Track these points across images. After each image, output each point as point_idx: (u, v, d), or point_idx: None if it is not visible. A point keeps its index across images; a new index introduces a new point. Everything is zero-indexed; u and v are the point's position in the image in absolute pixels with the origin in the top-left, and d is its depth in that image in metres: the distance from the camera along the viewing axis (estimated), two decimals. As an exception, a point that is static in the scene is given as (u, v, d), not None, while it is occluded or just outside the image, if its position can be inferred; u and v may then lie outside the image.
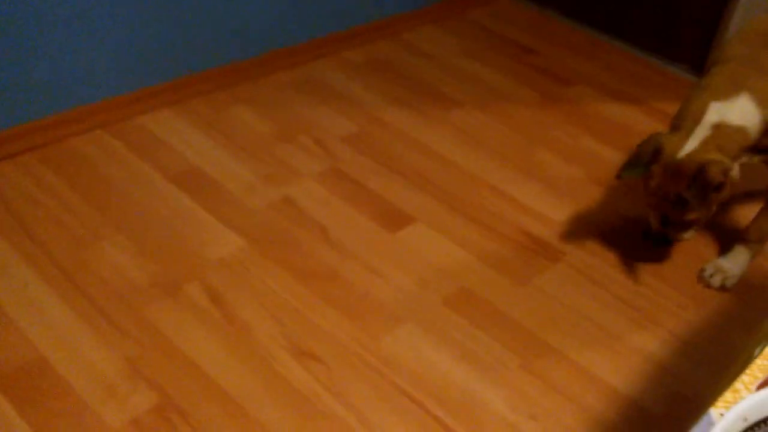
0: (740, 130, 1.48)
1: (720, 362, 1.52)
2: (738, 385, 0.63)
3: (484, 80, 2.38)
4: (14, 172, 1.79)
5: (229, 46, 2.15)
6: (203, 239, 1.67)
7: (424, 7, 2.64)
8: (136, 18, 1.90)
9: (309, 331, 1.48)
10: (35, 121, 1.85)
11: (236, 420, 1.31)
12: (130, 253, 1.61)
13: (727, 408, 0.58)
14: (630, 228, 1.84)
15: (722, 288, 1.69)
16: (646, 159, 1.55)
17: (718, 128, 1.48)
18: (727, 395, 0.61)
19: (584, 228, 1.82)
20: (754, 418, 0.53)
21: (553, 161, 2.05)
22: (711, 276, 1.70)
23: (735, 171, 1.51)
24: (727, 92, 1.49)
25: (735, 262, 1.69)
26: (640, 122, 2.26)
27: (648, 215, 1.77)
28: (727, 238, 1.83)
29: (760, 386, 0.62)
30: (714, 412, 0.60)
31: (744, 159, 1.55)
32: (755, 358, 0.66)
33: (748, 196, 1.98)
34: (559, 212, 1.87)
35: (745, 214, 1.93)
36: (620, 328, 1.57)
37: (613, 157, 2.09)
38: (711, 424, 0.59)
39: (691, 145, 1.49)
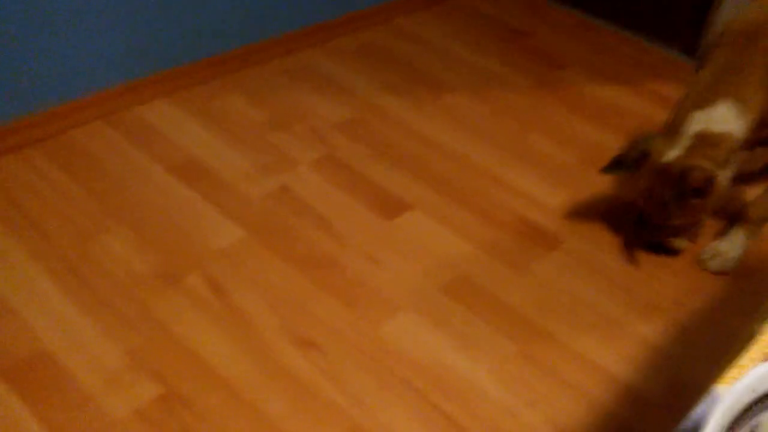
0: (724, 136, 1.50)
1: (719, 347, 1.53)
2: (742, 360, 0.63)
3: (477, 65, 2.38)
4: (16, 165, 1.79)
5: (224, 35, 2.14)
6: (203, 229, 1.67)
7: (416, -8, 2.63)
8: (131, 8, 1.89)
9: (308, 319, 1.49)
10: (35, 114, 1.85)
11: (238, 409, 1.31)
12: (132, 244, 1.61)
13: (732, 384, 0.59)
14: (624, 212, 1.85)
15: (721, 271, 1.69)
16: (632, 160, 1.58)
17: (702, 137, 1.50)
18: (732, 371, 0.62)
19: (581, 213, 1.83)
20: (762, 389, 0.53)
21: (547, 145, 2.05)
22: (709, 259, 1.70)
23: (723, 180, 1.53)
24: (708, 100, 1.51)
25: (733, 245, 1.69)
26: (634, 104, 2.26)
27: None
28: (724, 222, 1.84)
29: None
30: (719, 388, 0.61)
31: (749, 152, 1.58)
32: (759, 334, 0.67)
33: (746, 177, 1.99)
34: (555, 197, 1.87)
35: (739, 196, 1.94)
36: (618, 314, 1.58)
37: (608, 140, 2.10)
38: (716, 400, 0.60)
39: (675, 152, 1.52)
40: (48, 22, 1.75)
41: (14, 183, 1.74)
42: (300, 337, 1.46)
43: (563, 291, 1.62)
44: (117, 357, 1.39)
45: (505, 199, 1.86)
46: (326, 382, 1.38)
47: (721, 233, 1.75)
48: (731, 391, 0.51)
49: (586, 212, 1.84)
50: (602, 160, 2.01)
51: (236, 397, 1.34)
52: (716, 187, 1.51)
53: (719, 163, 1.51)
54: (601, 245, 1.75)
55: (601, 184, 1.93)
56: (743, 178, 1.98)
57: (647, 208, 1.61)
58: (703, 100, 1.52)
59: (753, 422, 0.55)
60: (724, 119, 1.50)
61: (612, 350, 1.50)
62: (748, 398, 0.53)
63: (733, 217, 1.77)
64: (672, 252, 1.72)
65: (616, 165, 1.60)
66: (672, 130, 1.56)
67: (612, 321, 1.56)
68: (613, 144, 2.08)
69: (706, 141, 1.50)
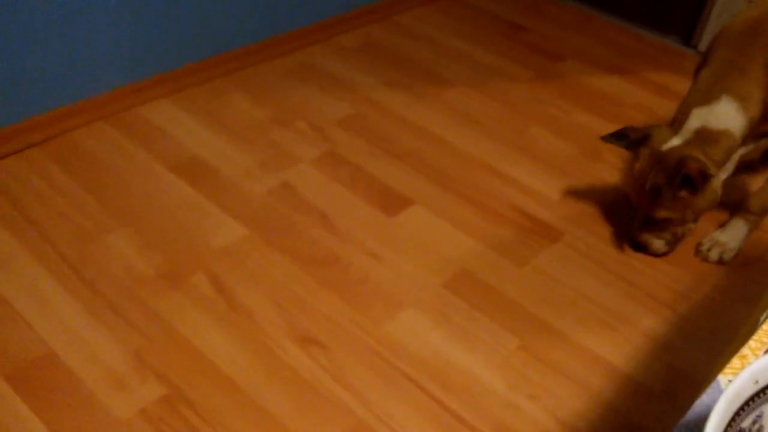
0: (724, 134, 1.52)
1: (720, 337, 1.53)
2: (745, 350, 0.63)
3: (476, 59, 2.37)
4: (19, 168, 1.79)
5: (225, 35, 2.14)
6: (205, 228, 1.67)
7: (414, -13, 2.63)
8: (133, 10, 1.89)
9: (311, 317, 1.49)
10: (37, 116, 1.85)
11: (243, 408, 1.32)
12: (135, 245, 1.62)
13: (735, 375, 0.59)
14: (626, 203, 1.85)
15: (720, 262, 1.69)
16: (634, 137, 1.60)
17: (701, 133, 1.52)
18: (735, 361, 0.62)
19: (581, 205, 1.83)
20: (765, 380, 0.53)
21: (548, 138, 2.05)
22: (709, 250, 1.70)
23: (717, 182, 1.54)
24: (709, 97, 1.53)
25: (733, 235, 1.70)
26: (633, 94, 2.26)
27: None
28: (725, 212, 1.84)
29: (768, 352, 0.63)
30: (722, 379, 0.61)
31: (742, 151, 1.59)
32: (761, 323, 0.67)
33: (747, 168, 1.99)
34: (555, 190, 1.87)
35: (739, 186, 1.93)
36: (619, 306, 1.58)
37: (607, 130, 2.08)
38: (719, 391, 0.60)
39: (675, 143, 1.55)
40: (49, 26, 1.75)
41: (17, 185, 1.75)
42: (303, 335, 1.46)
43: (565, 284, 1.62)
44: (121, 358, 1.39)
45: (507, 192, 1.86)
46: (330, 380, 1.38)
47: (722, 224, 1.75)
48: (733, 383, 0.51)
49: (588, 204, 1.84)
50: (602, 151, 2.01)
51: (241, 396, 1.34)
52: (709, 186, 1.53)
53: (716, 162, 1.52)
54: (602, 237, 1.75)
55: (603, 176, 1.93)
56: (744, 167, 1.98)
57: (637, 194, 1.61)
58: (704, 97, 1.54)
59: (757, 413, 0.55)
60: (724, 116, 1.51)
61: (614, 342, 1.50)
62: (750, 389, 0.52)
63: (734, 207, 1.76)
64: (650, 252, 1.69)
65: (618, 137, 1.62)
66: (677, 125, 1.58)
67: (613, 313, 1.56)
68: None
69: (705, 137, 1.52)
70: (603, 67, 2.39)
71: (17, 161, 1.81)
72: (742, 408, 0.54)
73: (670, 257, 1.70)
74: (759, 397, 0.54)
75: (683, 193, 1.54)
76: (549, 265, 1.66)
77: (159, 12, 1.95)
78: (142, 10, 1.91)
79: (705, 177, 1.49)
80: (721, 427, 0.50)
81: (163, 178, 1.81)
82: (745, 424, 0.54)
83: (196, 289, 1.54)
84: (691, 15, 2.49)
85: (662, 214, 1.58)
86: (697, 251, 1.72)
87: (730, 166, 1.60)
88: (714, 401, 0.58)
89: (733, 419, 0.53)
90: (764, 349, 0.63)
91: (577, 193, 1.87)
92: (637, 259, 1.69)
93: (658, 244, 1.66)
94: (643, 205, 1.61)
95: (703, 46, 2.48)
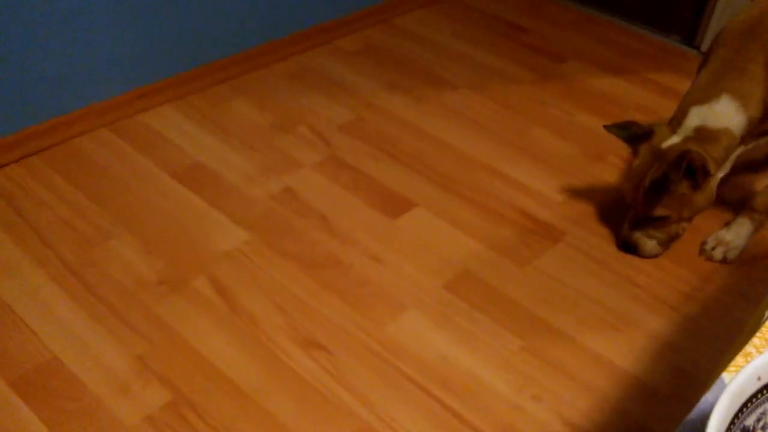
0: (724, 133, 1.52)
1: (724, 337, 1.52)
2: (749, 348, 0.63)
3: (477, 61, 2.37)
4: (22, 175, 1.80)
5: (225, 41, 2.15)
6: (208, 233, 1.67)
7: (415, -10, 2.63)
8: (133, 16, 1.89)
9: (314, 320, 1.49)
10: (40, 124, 1.86)
11: (247, 412, 1.32)
12: (138, 250, 1.62)
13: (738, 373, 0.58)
14: (625, 202, 1.84)
15: (724, 261, 1.69)
16: (637, 130, 1.59)
17: (700, 132, 1.53)
18: (739, 359, 0.62)
19: (583, 206, 1.83)
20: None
21: (549, 139, 2.05)
22: (713, 249, 1.69)
23: (713, 182, 1.55)
24: (709, 96, 1.54)
25: (737, 234, 1.69)
26: (635, 95, 2.26)
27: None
28: (729, 211, 1.83)
29: (772, 349, 0.63)
30: (726, 377, 0.60)
31: (741, 150, 1.60)
32: (765, 321, 0.67)
33: (749, 167, 1.99)
34: (557, 191, 1.87)
35: (744, 185, 1.93)
36: (622, 306, 1.57)
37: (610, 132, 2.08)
38: (723, 389, 0.59)
39: (675, 140, 1.55)
40: (50, 34, 1.76)
41: (19, 192, 1.75)
42: (306, 338, 1.46)
43: (566, 284, 1.62)
44: (125, 363, 1.39)
45: (509, 193, 1.85)
46: (333, 383, 1.38)
47: (727, 223, 1.74)
48: (736, 380, 0.51)
49: (590, 204, 1.83)
50: (606, 152, 2.01)
51: (245, 400, 1.34)
52: (708, 183, 1.53)
53: (716, 161, 1.52)
54: (604, 237, 1.74)
55: (605, 177, 1.93)
56: (747, 166, 1.97)
57: (634, 192, 1.61)
58: (704, 95, 1.54)
59: (761, 410, 0.55)
60: (724, 115, 1.51)
61: (617, 342, 1.50)
62: (753, 387, 0.52)
63: (738, 206, 1.76)
64: (640, 254, 1.67)
65: (621, 127, 1.61)
66: (675, 123, 1.58)
67: (617, 313, 1.56)
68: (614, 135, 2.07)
69: (705, 136, 1.52)
70: (604, 67, 2.38)
71: (20, 169, 1.82)
72: (745, 405, 0.53)
73: (674, 256, 1.70)
74: (762, 394, 0.54)
75: (684, 188, 1.53)
76: (551, 266, 1.66)
77: (159, 19, 1.96)
78: (143, 17, 1.92)
79: (706, 172, 1.49)
80: (724, 425, 0.50)
81: (164, 183, 1.81)
82: (749, 421, 0.54)
83: (199, 293, 1.54)
84: (693, 15, 2.49)
85: (660, 211, 1.58)
86: (702, 250, 1.71)
87: (727, 165, 1.60)
88: (718, 399, 0.58)
89: (736, 416, 0.52)
90: (767, 347, 0.63)
91: (579, 194, 1.87)
92: (639, 259, 1.69)
93: (650, 245, 1.65)
94: (640, 203, 1.60)
95: (705, 46, 2.48)
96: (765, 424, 0.55)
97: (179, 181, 1.82)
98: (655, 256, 1.67)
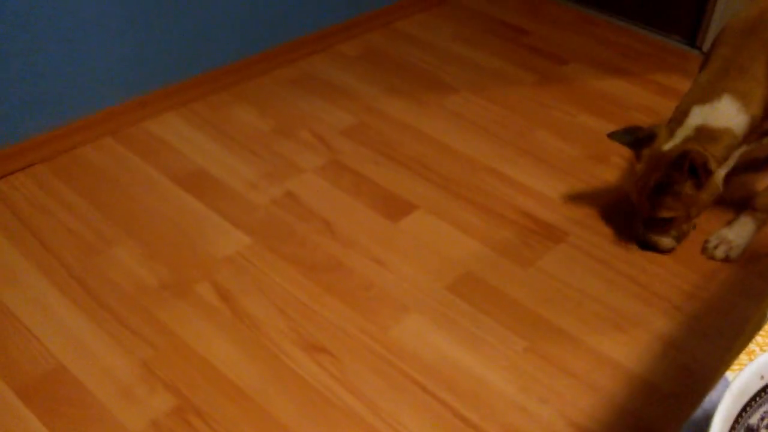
0: (725, 132, 1.52)
1: (728, 335, 1.52)
2: (752, 346, 0.63)
3: (478, 64, 2.37)
4: (26, 184, 1.80)
5: (227, 47, 2.16)
6: (210, 239, 1.68)
7: (415, -5, 2.64)
8: (135, 25, 1.90)
9: (317, 324, 1.49)
10: (44, 134, 1.86)
11: (253, 417, 1.32)
12: (141, 256, 1.62)
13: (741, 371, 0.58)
14: (631, 204, 1.84)
15: (726, 259, 1.68)
16: (639, 135, 1.60)
17: (701, 131, 1.53)
18: (742, 357, 0.62)
19: (586, 206, 1.83)
20: (771, 375, 0.53)
21: (551, 140, 2.05)
22: (715, 247, 1.69)
23: (718, 178, 1.55)
24: (709, 95, 1.54)
25: (740, 233, 1.69)
26: (637, 95, 2.26)
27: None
28: (731, 210, 1.83)
29: (775, 347, 0.63)
30: (730, 375, 0.60)
31: (744, 148, 1.59)
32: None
33: (751, 166, 1.98)
34: (560, 192, 1.87)
35: (746, 184, 1.93)
36: (625, 306, 1.57)
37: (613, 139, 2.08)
38: (726, 388, 0.59)
39: (675, 142, 1.55)
40: (55, 44, 1.77)
41: (23, 200, 1.76)
42: (310, 342, 1.46)
43: (569, 284, 1.62)
44: (130, 369, 1.39)
45: (510, 195, 1.85)
46: (339, 387, 1.38)
47: (729, 222, 1.74)
48: (738, 379, 0.51)
49: (593, 205, 1.83)
50: (608, 153, 2.01)
51: (250, 405, 1.34)
52: (711, 181, 1.53)
53: (717, 159, 1.52)
54: (607, 237, 1.74)
55: (607, 177, 1.93)
56: (749, 165, 1.97)
57: (638, 196, 1.62)
58: (705, 95, 1.54)
59: (765, 409, 0.55)
60: (725, 114, 1.51)
61: (621, 342, 1.49)
62: (756, 385, 0.52)
63: (740, 205, 1.76)
64: (659, 250, 1.69)
65: (624, 134, 1.63)
66: (675, 123, 1.58)
67: (620, 312, 1.56)
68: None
69: (706, 135, 1.52)
70: (606, 68, 2.38)
71: (24, 177, 1.83)
72: (748, 404, 0.53)
73: (676, 255, 1.69)
74: (766, 393, 0.54)
75: (687, 188, 1.53)
76: (553, 266, 1.66)
77: (160, 27, 1.96)
78: (144, 25, 1.93)
79: (708, 171, 1.49)
80: (727, 424, 0.50)
81: (167, 190, 1.81)
82: (753, 420, 0.54)
83: (202, 298, 1.54)
84: (694, 14, 2.48)
85: (665, 213, 1.58)
86: (704, 249, 1.71)
87: (730, 162, 1.59)
88: (720, 398, 0.58)
89: (740, 415, 0.52)
90: (770, 345, 0.63)
91: (582, 195, 1.87)
92: (642, 258, 1.69)
93: (666, 241, 1.67)
94: (646, 207, 1.61)
95: (706, 46, 2.48)
96: (770, 422, 0.55)
97: (181, 187, 1.82)
98: (674, 248, 1.70)
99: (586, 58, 2.43)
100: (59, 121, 1.89)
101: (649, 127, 1.62)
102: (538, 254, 1.69)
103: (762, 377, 0.52)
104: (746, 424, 0.53)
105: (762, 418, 0.54)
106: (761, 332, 0.64)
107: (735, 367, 0.61)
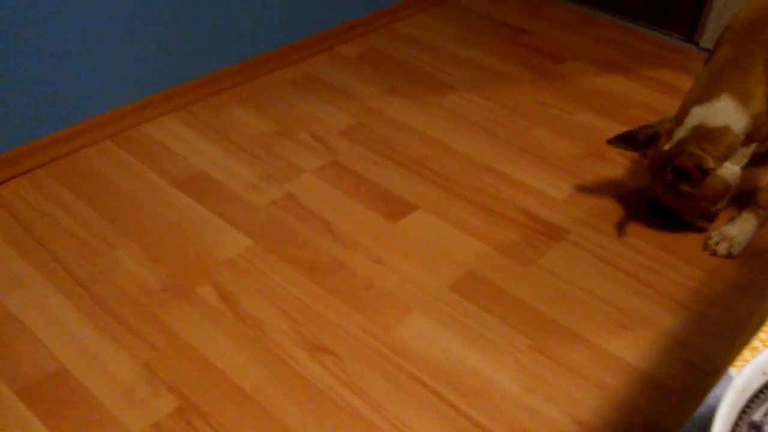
0: (723, 131, 1.52)
1: (732, 330, 1.52)
2: (756, 342, 0.63)
3: (477, 63, 2.37)
4: (27, 188, 1.81)
5: (227, 50, 2.16)
6: (211, 241, 1.68)
7: (413, -5, 2.64)
8: (135, 29, 1.91)
9: (320, 325, 1.49)
10: (45, 138, 1.87)
11: (256, 419, 1.32)
12: (143, 259, 1.62)
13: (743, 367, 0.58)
14: (632, 201, 1.84)
15: (728, 255, 1.68)
16: (641, 137, 1.63)
17: (697, 131, 1.54)
18: (745, 353, 0.62)
19: (586, 204, 1.83)
20: (773, 371, 0.53)
21: (551, 139, 2.05)
22: (717, 244, 1.69)
23: (726, 172, 1.56)
24: (708, 95, 1.54)
25: (742, 229, 1.68)
26: (636, 92, 2.26)
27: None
28: (733, 207, 1.83)
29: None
30: (733, 371, 0.60)
31: (756, 146, 1.60)
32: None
33: (752, 162, 1.98)
34: (560, 190, 1.87)
35: (748, 180, 1.92)
36: (629, 303, 1.57)
37: (612, 130, 2.09)
38: (729, 384, 0.59)
39: (673, 141, 1.57)
40: (55, 48, 1.77)
41: (24, 205, 1.76)
42: (313, 343, 1.46)
43: (572, 282, 1.62)
44: (133, 371, 1.39)
45: (510, 194, 1.85)
46: (342, 388, 1.38)
47: (732, 218, 1.74)
48: (740, 375, 0.51)
49: (593, 203, 1.83)
50: (606, 150, 2.01)
51: (253, 406, 1.34)
52: (711, 178, 1.53)
53: (717, 157, 1.52)
54: (607, 234, 1.74)
55: (608, 175, 1.93)
56: (750, 162, 1.97)
57: (657, 187, 1.67)
58: (704, 94, 1.55)
59: (767, 405, 0.55)
60: (723, 113, 1.52)
61: (626, 340, 1.49)
62: (759, 381, 0.52)
63: (744, 201, 1.76)
64: (696, 229, 1.76)
65: (623, 139, 1.65)
66: (675, 123, 1.59)
67: (624, 310, 1.56)
68: (616, 133, 2.06)
69: (703, 134, 1.53)
70: (605, 66, 2.38)
71: (25, 182, 1.83)
72: (752, 400, 0.53)
73: (679, 252, 1.69)
74: (769, 389, 0.54)
75: (685, 188, 1.55)
76: (556, 265, 1.66)
77: (159, 30, 1.97)
78: (144, 29, 1.93)
79: (703, 171, 1.50)
80: (730, 421, 0.50)
81: (168, 193, 1.81)
82: (757, 416, 0.54)
83: (204, 300, 1.54)
84: (692, 11, 2.48)
85: (683, 204, 1.65)
86: (705, 245, 1.71)
87: (742, 159, 1.60)
88: (723, 394, 0.57)
89: (743, 411, 0.52)
90: (773, 341, 0.63)
91: (582, 193, 1.87)
92: (645, 256, 1.69)
93: (700, 222, 1.74)
94: (664, 198, 1.69)
95: (704, 42, 2.48)
96: (773, 418, 0.54)
97: (182, 190, 1.82)
98: (706, 228, 1.76)
99: (584, 56, 2.43)
100: (59, 126, 1.89)
101: (649, 126, 1.62)
102: (539, 253, 1.69)
103: (764, 373, 0.52)
104: (750, 420, 0.53)
105: (765, 414, 0.54)
106: (764, 329, 0.64)
107: (738, 363, 0.61)
